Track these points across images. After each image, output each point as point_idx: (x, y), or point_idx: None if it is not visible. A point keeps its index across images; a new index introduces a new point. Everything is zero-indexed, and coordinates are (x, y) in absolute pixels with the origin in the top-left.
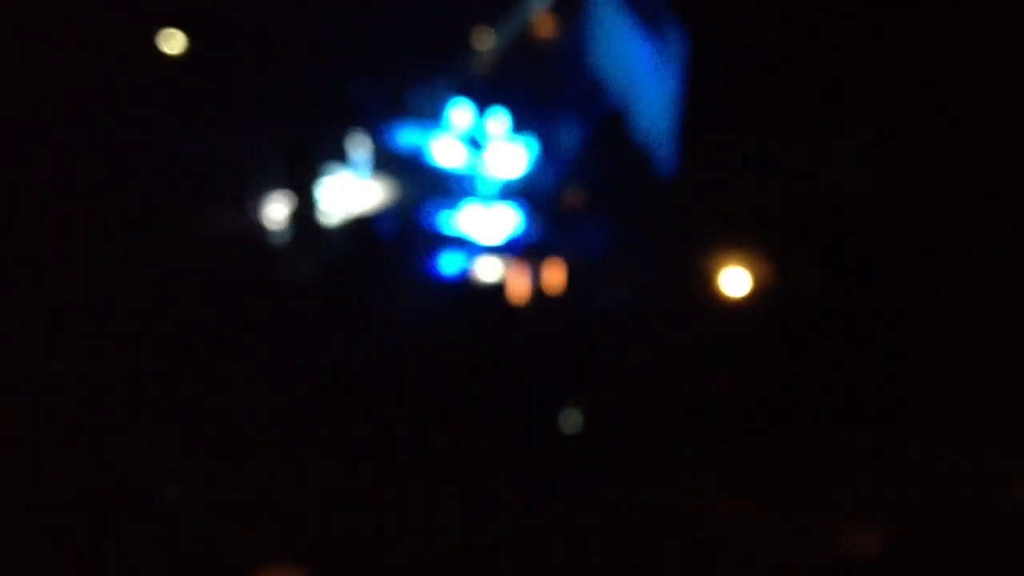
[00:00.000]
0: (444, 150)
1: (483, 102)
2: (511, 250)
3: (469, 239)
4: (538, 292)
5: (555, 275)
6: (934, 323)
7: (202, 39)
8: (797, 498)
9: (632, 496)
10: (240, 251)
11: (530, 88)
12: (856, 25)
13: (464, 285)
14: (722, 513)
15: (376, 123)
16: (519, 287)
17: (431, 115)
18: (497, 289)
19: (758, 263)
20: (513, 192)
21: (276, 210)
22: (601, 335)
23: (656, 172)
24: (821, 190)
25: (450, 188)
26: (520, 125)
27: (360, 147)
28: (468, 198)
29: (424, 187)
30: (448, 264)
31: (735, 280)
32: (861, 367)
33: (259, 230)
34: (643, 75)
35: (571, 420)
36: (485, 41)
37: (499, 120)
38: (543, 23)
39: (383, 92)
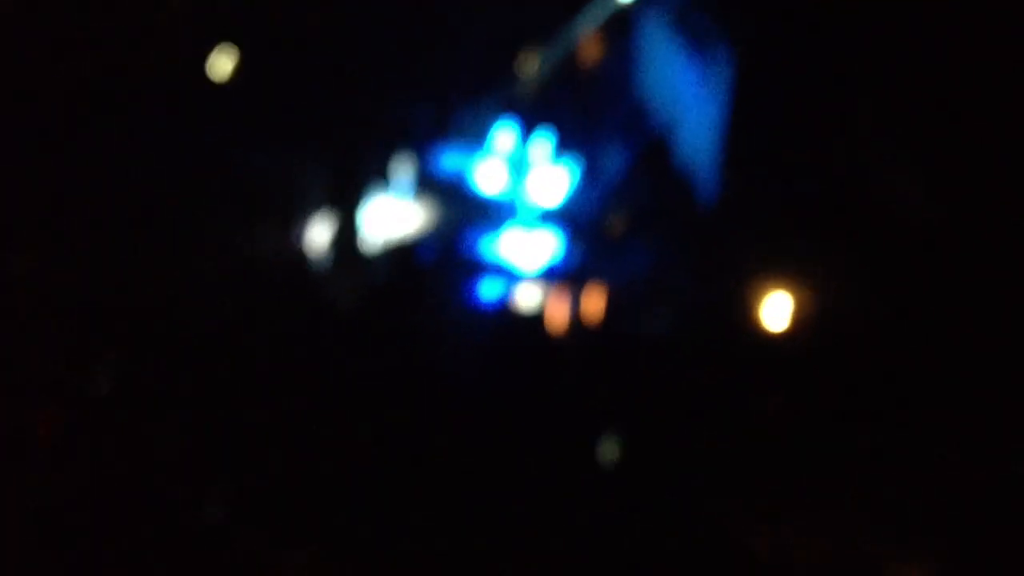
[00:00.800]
0: (487, 174)
1: (527, 125)
2: (552, 276)
3: (510, 264)
4: (579, 319)
5: (596, 302)
6: (987, 352)
7: (248, 59)
8: (842, 527)
9: (673, 526)
10: (282, 272)
11: (574, 112)
12: (907, 54)
13: (505, 310)
14: (765, 543)
15: (419, 145)
16: (560, 313)
17: (474, 138)
18: (537, 315)
19: (802, 290)
20: (555, 217)
21: (318, 232)
22: (642, 363)
23: (700, 198)
24: (867, 217)
25: (492, 212)
26: (564, 149)
27: (403, 169)
28: (510, 222)
29: (466, 211)
30: (489, 289)
31: (778, 307)
32: (907, 396)
33: (301, 252)
34: (688, 100)
35: (611, 449)
36: (530, 64)
37: (543, 144)
38: (588, 47)
39: (426, 114)
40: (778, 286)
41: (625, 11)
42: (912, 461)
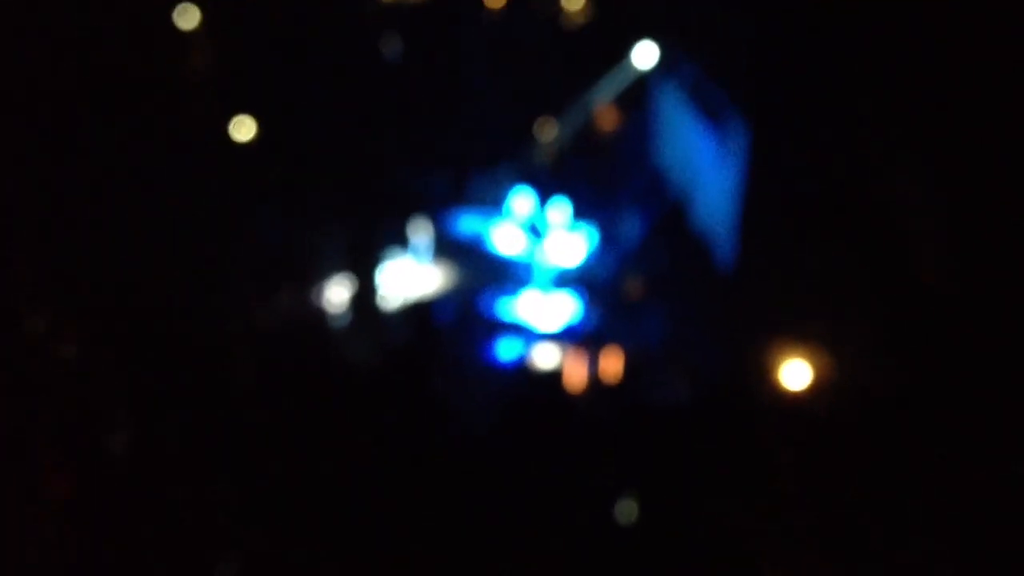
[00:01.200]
0: (505, 237)
1: (544, 191)
2: (569, 338)
3: (527, 326)
4: (595, 380)
5: (613, 364)
6: (1001, 413)
7: (269, 125)
8: None
9: None
10: (302, 333)
11: (591, 178)
12: (920, 121)
13: (522, 371)
14: None
15: (438, 209)
16: (576, 375)
17: (492, 203)
18: (554, 376)
19: (817, 354)
20: (572, 280)
21: (337, 293)
22: (658, 424)
23: (716, 264)
24: (885, 284)
25: (510, 275)
26: (580, 214)
27: (421, 233)
28: (527, 285)
29: (484, 273)
30: (506, 350)
31: (795, 372)
32: (922, 464)
33: (321, 313)
34: (704, 168)
35: (627, 510)
36: (548, 131)
37: (560, 209)
38: (605, 115)
39: (445, 179)
40: (793, 350)
41: (641, 81)
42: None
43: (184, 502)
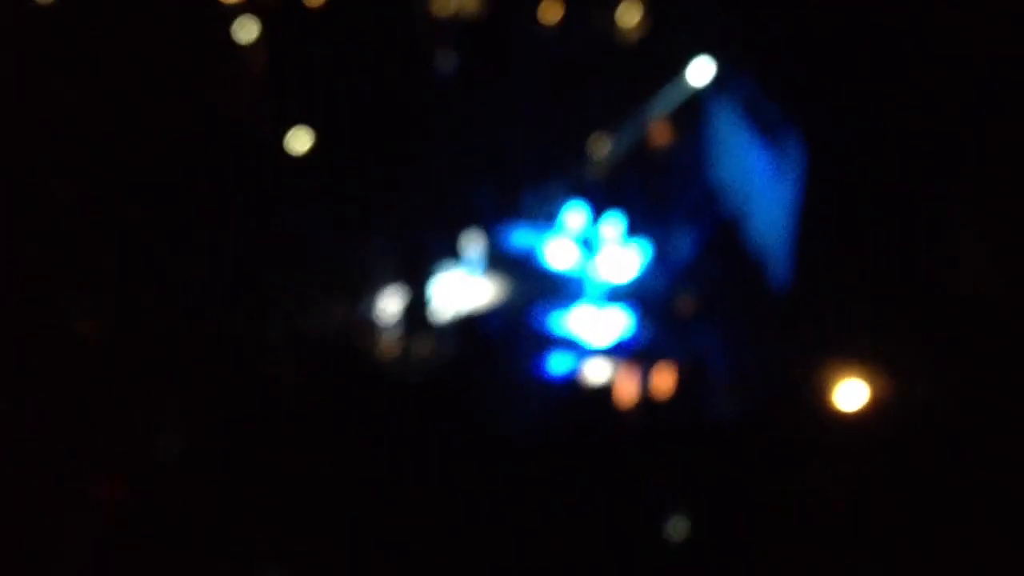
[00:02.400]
0: (557, 252)
1: (598, 206)
2: (620, 353)
3: (579, 340)
4: (646, 396)
5: (664, 380)
6: None
7: (326, 138)
8: None
9: None
10: (354, 345)
11: (645, 194)
12: (975, 139)
13: (572, 386)
14: None
15: (491, 223)
16: (627, 390)
17: (546, 217)
18: (605, 391)
19: (872, 372)
20: (624, 295)
21: (390, 304)
22: (709, 441)
23: (770, 281)
24: (939, 301)
25: (562, 289)
26: (634, 229)
27: (475, 246)
28: (579, 300)
29: (536, 287)
30: (557, 364)
31: (849, 392)
32: (977, 482)
33: (374, 323)
34: (759, 184)
35: (679, 527)
36: (601, 147)
37: (613, 224)
38: (659, 131)
39: (499, 193)
40: (849, 367)
41: (696, 97)
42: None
43: (232, 505)
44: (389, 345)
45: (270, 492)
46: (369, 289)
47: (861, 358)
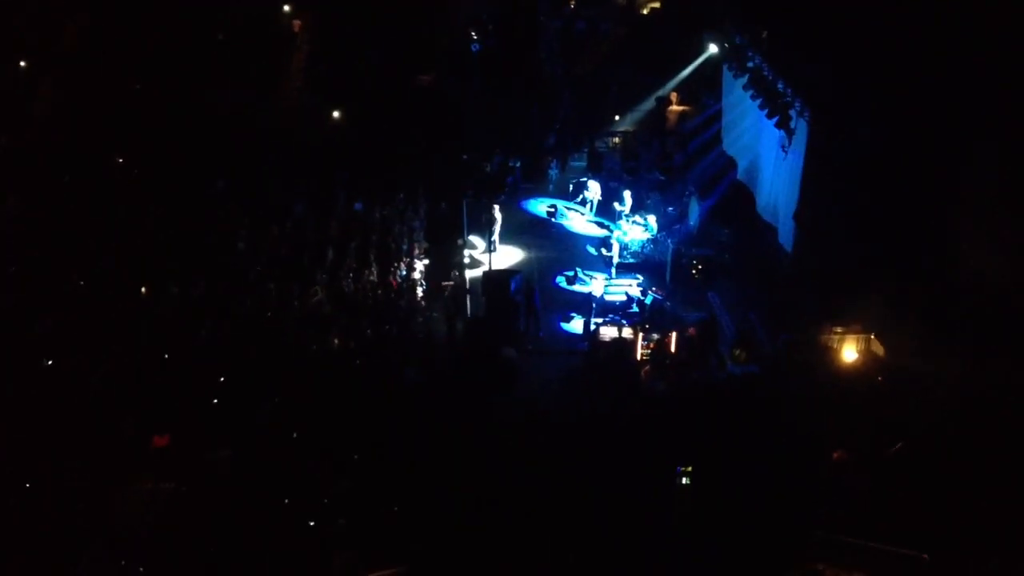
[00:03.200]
0: (575, 220)
1: (614, 176)
2: (635, 317)
3: (595, 304)
4: (660, 358)
5: (676, 342)
6: None
7: (358, 113)
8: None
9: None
10: (384, 306)
11: (660, 164)
12: (983, 113)
13: (588, 349)
14: None
15: (515, 193)
16: (641, 353)
17: (565, 188)
18: (620, 353)
19: (877, 336)
20: (639, 262)
21: (419, 270)
22: (719, 402)
23: (778, 249)
24: (944, 270)
25: (580, 256)
26: (648, 199)
27: (497, 214)
28: (596, 267)
29: (555, 254)
30: (574, 327)
31: (854, 351)
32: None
33: (402, 288)
34: (769, 153)
35: (682, 485)
36: (619, 118)
37: (628, 194)
38: (674, 103)
39: (521, 165)
40: (855, 332)
41: (710, 70)
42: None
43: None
44: (417, 307)
45: (310, 450)
46: (399, 255)
47: (864, 319)
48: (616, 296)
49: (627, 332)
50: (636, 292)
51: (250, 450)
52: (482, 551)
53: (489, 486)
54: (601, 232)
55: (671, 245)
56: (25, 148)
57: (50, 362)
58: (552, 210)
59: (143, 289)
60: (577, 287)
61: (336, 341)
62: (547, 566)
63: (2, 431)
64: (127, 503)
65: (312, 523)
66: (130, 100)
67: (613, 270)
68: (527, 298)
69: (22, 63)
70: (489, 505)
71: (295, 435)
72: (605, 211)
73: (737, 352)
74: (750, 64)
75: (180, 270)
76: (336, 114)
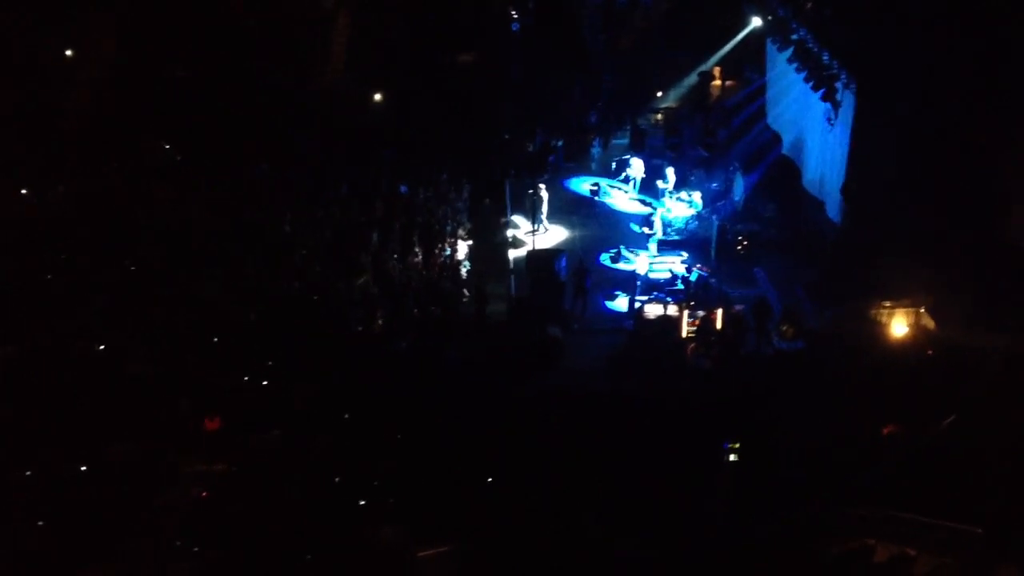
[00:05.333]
0: (618, 198)
1: (658, 154)
2: (680, 294)
3: (640, 282)
4: (704, 334)
5: (720, 319)
6: None
7: (400, 96)
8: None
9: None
10: (429, 287)
11: (703, 141)
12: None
13: (634, 327)
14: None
15: (558, 172)
16: (686, 329)
17: (607, 166)
18: (664, 330)
19: (927, 309)
20: (683, 239)
21: (463, 251)
22: (763, 377)
23: (824, 223)
24: (991, 239)
25: (623, 235)
26: (692, 176)
27: (543, 193)
28: (640, 244)
29: (598, 233)
30: (618, 305)
31: (904, 325)
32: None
33: (446, 269)
34: (814, 129)
35: (730, 461)
36: (661, 96)
37: (671, 171)
38: (717, 79)
39: (564, 144)
40: (904, 306)
41: (754, 45)
42: None
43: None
44: (463, 287)
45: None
46: (445, 236)
47: (914, 292)
48: (661, 274)
49: (672, 309)
50: (681, 269)
51: (298, 431)
52: (528, 530)
53: (534, 465)
54: (645, 210)
55: (716, 221)
56: (69, 136)
57: (102, 347)
58: (595, 188)
59: (190, 273)
60: (621, 265)
61: (381, 322)
62: (592, 544)
63: (55, 414)
64: (179, 485)
65: (361, 502)
66: (172, 85)
67: (654, 247)
68: (578, 278)
69: (66, 52)
70: (535, 484)
71: (343, 416)
72: (648, 188)
73: (784, 328)
74: (794, 36)
75: (227, 254)
76: (378, 96)
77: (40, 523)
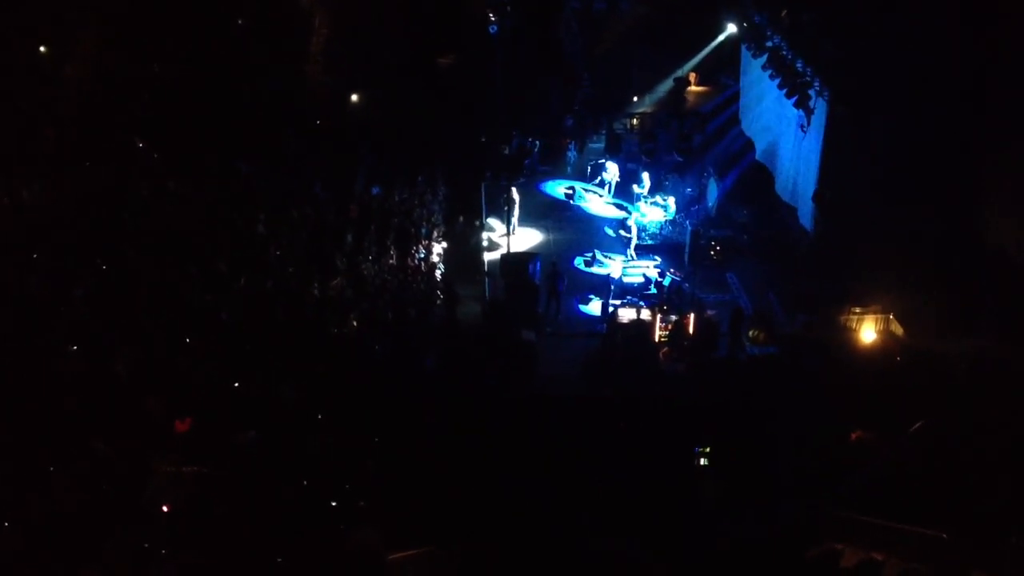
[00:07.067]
0: (594, 202)
1: (632, 159)
2: (653, 298)
3: (614, 286)
4: (677, 338)
5: (694, 324)
6: None
7: (377, 96)
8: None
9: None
10: (404, 289)
11: (678, 146)
12: (996, 92)
13: (607, 331)
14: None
15: (532, 175)
16: (659, 334)
17: (583, 170)
18: (637, 334)
19: (896, 316)
20: (657, 243)
21: (438, 253)
22: (736, 382)
23: (797, 229)
24: (961, 247)
25: (598, 238)
26: (666, 180)
27: (517, 196)
28: (614, 248)
29: (574, 235)
30: (592, 309)
31: (871, 332)
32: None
33: (423, 271)
34: (787, 134)
35: (701, 465)
36: (637, 101)
37: (646, 175)
38: (692, 85)
39: (539, 147)
40: (874, 313)
41: (728, 51)
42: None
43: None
44: (440, 288)
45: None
46: (421, 238)
47: (883, 299)
48: (634, 278)
49: (645, 314)
50: (654, 274)
51: (273, 432)
52: (503, 534)
53: (508, 469)
54: (619, 214)
55: (689, 226)
56: (47, 133)
57: (75, 347)
58: (570, 192)
59: (164, 272)
60: (595, 269)
61: (355, 324)
62: (568, 547)
63: (28, 415)
64: (151, 486)
65: (333, 504)
66: (150, 84)
67: (631, 251)
68: (551, 282)
69: (43, 48)
70: (509, 488)
71: (318, 417)
72: (623, 193)
73: (755, 333)
74: (769, 44)
75: (201, 253)
76: (355, 97)
77: (19, 525)
